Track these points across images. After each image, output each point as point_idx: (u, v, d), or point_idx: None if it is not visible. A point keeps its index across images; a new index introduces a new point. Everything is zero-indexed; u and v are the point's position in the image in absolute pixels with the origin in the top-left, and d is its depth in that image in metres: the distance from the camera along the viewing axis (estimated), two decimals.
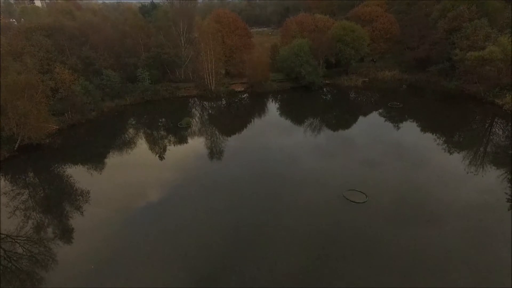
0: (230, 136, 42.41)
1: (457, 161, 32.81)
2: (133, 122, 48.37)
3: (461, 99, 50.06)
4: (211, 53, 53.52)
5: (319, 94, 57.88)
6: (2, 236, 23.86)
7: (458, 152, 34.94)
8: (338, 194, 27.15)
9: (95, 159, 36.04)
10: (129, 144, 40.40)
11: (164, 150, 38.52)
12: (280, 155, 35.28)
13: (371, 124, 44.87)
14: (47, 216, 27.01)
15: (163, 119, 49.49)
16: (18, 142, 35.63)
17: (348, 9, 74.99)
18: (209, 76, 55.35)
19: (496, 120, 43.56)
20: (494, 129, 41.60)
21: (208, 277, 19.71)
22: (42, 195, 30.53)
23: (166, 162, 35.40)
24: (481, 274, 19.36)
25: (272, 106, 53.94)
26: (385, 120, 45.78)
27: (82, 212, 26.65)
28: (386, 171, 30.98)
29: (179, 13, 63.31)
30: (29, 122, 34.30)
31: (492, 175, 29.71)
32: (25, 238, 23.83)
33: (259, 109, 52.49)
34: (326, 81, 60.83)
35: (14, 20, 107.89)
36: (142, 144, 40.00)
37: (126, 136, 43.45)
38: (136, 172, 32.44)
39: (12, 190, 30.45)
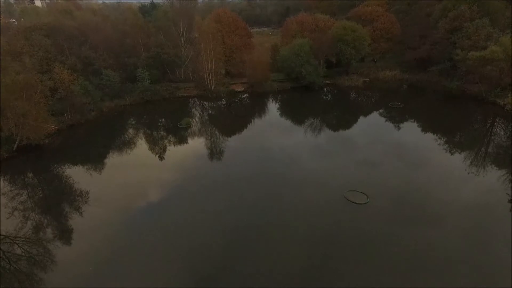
0: (230, 136, 42.28)
1: (458, 161, 32.68)
2: (132, 122, 48.21)
3: (462, 99, 49.87)
4: (211, 53, 53.37)
5: (320, 94, 57.71)
6: (1, 237, 23.69)
7: (459, 153, 34.84)
8: (339, 194, 27.02)
9: (95, 160, 35.90)
10: (128, 144, 40.30)
11: (164, 150, 38.38)
12: (281, 155, 35.17)
13: (372, 124, 44.72)
14: (46, 216, 26.89)
15: (163, 119, 49.34)
16: (17, 142, 35.48)
17: (348, 9, 74.71)
18: (209, 76, 55.18)
19: (497, 120, 43.44)
20: (495, 130, 41.50)
21: (208, 277, 19.67)
22: (41, 195, 30.43)
23: (166, 162, 35.26)
24: (482, 274, 19.27)
25: (273, 106, 53.79)
26: (386, 120, 45.64)
27: (82, 213, 26.53)
28: (387, 172, 30.88)
29: (179, 13, 63.19)
30: (27, 122, 34.17)
31: (493, 176, 29.60)
32: (24, 239, 23.72)
33: (259, 109, 52.35)
34: (327, 81, 60.66)
35: (14, 20, 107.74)
36: (141, 145, 39.86)
37: (126, 136, 43.31)
38: (136, 173, 32.31)
39: (11, 190, 30.32)
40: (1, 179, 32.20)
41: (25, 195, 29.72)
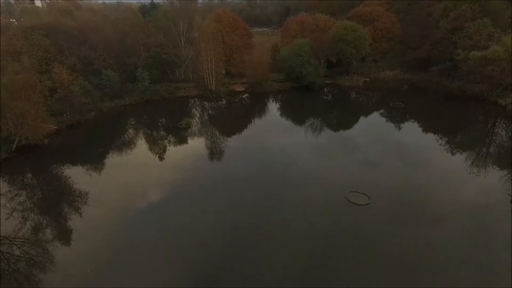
0: (230, 136, 42.15)
1: (459, 161, 32.56)
2: (132, 123, 48.06)
3: (464, 99, 49.69)
4: (211, 53, 53.22)
5: (320, 94, 57.57)
6: (0, 238, 23.53)
7: (461, 153, 34.73)
8: (339, 194, 26.89)
9: (94, 160, 35.75)
10: (128, 144, 40.16)
11: (164, 150, 38.24)
12: (281, 155, 35.06)
13: (372, 124, 44.58)
14: (45, 217, 26.77)
15: (163, 119, 49.19)
16: (15, 142, 35.29)
17: (349, 9, 74.62)
18: (209, 76, 55.03)
19: (498, 120, 43.26)
20: (496, 130, 41.31)
21: (208, 277, 19.62)
22: (40, 196, 30.31)
23: (166, 162, 35.13)
24: (483, 275, 19.19)
25: (273, 106, 53.66)
26: (387, 120, 45.50)
27: (81, 213, 26.39)
28: (388, 172, 30.75)
29: (179, 13, 63.02)
30: (26, 123, 33.96)
31: (495, 176, 29.47)
32: (23, 240, 23.59)
33: (260, 109, 52.21)
34: (327, 81, 60.51)
35: (14, 20, 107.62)
36: (141, 145, 39.72)
37: (126, 136, 43.16)
38: (136, 173, 32.18)
39: (9, 191, 30.15)
40: (0, 180, 32.02)
41: (24, 195, 29.57)
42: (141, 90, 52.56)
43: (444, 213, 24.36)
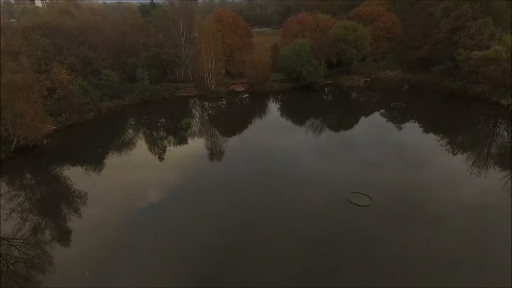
0: (230, 136, 41.98)
1: (460, 162, 32.44)
2: (132, 123, 47.89)
3: (465, 99, 49.48)
4: (211, 52, 53.06)
5: (321, 94, 57.40)
6: None
7: (462, 153, 34.57)
8: (340, 195, 26.77)
9: (94, 160, 35.59)
10: (128, 145, 39.97)
11: (164, 151, 38.07)
12: (281, 155, 34.94)
13: (373, 125, 44.39)
14: (44, 218, 26.59)
15: (163, 120, 49.03)
16: (14, 143, 35.05)
17: (349, 9, 74.44)
18: (209, 76, 54.87)
19: (500, 120, 43.03)
20: (498, 130, 41.09)
21: (208, 277, 19.58)
22: (39, 196, 30.13)
23: (166, 163, 34.97)
24: (485, 275, 19.07)
25: (273, 107, 53.49)
26: (388, 121, 45.31)
27: (80, 214, 26.22)
28: (389, 172, 30.59)
29: (179, 12, 62.87)
30: (25, 123, 33.75)
31: (496, 176, 29.33)
32: (21, 241, 23.43)
33: (260, 109, 52.05)
34: (328, 81, 60.33)
35: (14, 20, 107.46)
36: (141, 145, 39.54)
37: (125, 136, 42.98)
38: (135, 173, 32.02)
39: (8, 192, 29.99)
40: None
41: (23, 196, 29.40)
42: (140, 90, 52.38)
43: (445, 214, 24.23)
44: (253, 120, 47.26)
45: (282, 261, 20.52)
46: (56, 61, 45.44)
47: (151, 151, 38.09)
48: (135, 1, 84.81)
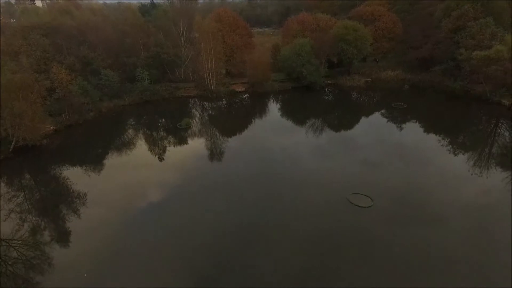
0: (230, 137, 41.82)
1: (461, 162, 32.29)
2: (132, 123, 47.75)
3: (466, 100, 49.34)
4: (212, 52, 52.92)
5: (321, 94, 57.23)
6: None
7: (463, 154, 34.40)
8: (340, 195, 26.63)
9: (93, 161, 35.46)
10: (127, 145, 39.84)
11: (164, 151, 37.93)
12: (281, 155, 34.81)
13: (374, 125, 44.22)
14: (43, 219, 26.47)
15: (163, 120, 48.88)
16: (13, 143, 34.88)
17: (349, 9, 74.27)
18: (209, 76, 54.72)
19: (501, 121, 42.82)
20: (499, 130, 40.91)
21: (208, 277, 19.54)
22: (38, 197, 30.00)
23: (166, 163, 34.83)
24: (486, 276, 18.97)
25: (273, 107, 53.34)
26: (389, 121, 45.14)
27: (79, 215, 26.08)
28: (391, 173, 30.43)
29: (179, 12, 62.73)
30: (24, 123, 33.59)
31: (497, 177, 29.18)
32: (20, 242, 23.29)
33: (260, 109, 51.90)
34: (328, 81, 60.12)
35: (14, 20, 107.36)
36: (141, 145, 39.39)
37: (125, 137, 42.84)
38: (135, 174, 31.86)
39: (7, 192, 29.84)
40: None
41: (22, 197, 29.28)
42: (140, 90, 52.23)
43: (446, 214, 24.09)
44: (253, 120, 47.11)
45: (282, 261, 20.46)
46: (56, 61, 45.29)
47: (151, 151, 37.94)
48: (135, 1, 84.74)
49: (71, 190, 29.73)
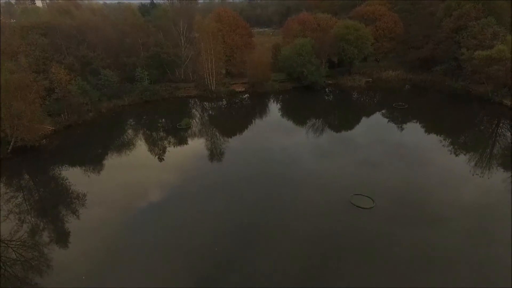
0: (230, 137, 41.63)
1: (463, 163, 32.13)
2: (131, 123, 47.55)
3: (468, 100, 49.21)
4: (212, 52, 52.75)
5: (322, 94, 57.04)
6: None
7: (464, 154, 34.24)
8: (341, 195, 26.52)
9: (92, 161, 35.30)
10: (127, 145, 39.62)
11: (164, 151, 37.73)
12: (281, 156, 34.64)
13: (376, 125, 44.05)
14: (42, 219, 26.28)
15: (162, 120, 48.68)
16: (11, 144, 34.67)
17: (350, 9, 74.03)
18: (209, 76, 54.55)
19: (503, 121, 42.62)
20: (501, 131, 40.68)
21: (208, 277, 19.51)
22: (37, 198, 29.76)
23: (166, 163, 34.65)
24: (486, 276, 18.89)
25: (274, 107, 53.13)
26: (390, 121, 44.97)
27: (79, 216, 25.91)
28: (392, 173, 30.25)
29: (179, 12, 62.55)
30: (22, 123, 33.35)
31: (499, 178, 29.05)
32: (19, 243, 23.11)
33: (260, 109, 51.70)
34: (329, 81, 59.91)
35: (14, 20, 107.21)
36: (140, 146, 39.19)
37: (124, 137, 42.63)
38: (135, 174, 31.67)
39: (6, 193, 29.60)
40: None
41: (20, 197, 29.07)
42: (140, 90, 52.01)
43: (447, 215, 23.99)
44: (253, 121, 46.91)
45: (282, 261, 20.45)
46: (55, 61, 45.08)
47: (150, 151, 37.77)
48: (135, 1, 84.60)
49: (70, 191, 29.58)
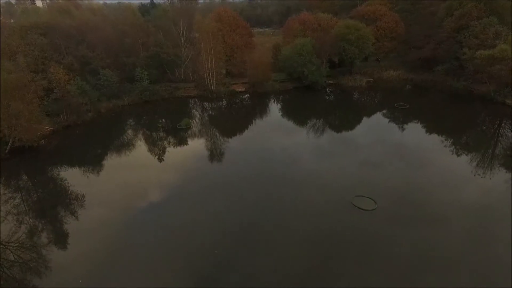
0: (230, 137, 41.41)
1: (465, 163, 31.96)
2: (131, 123, 47.32)
3: (470, 100, 48.98)
4: (212, 52, 52.53)
5: (322, 94, 56.80)
6: None
7: (466, 154, 34.04)
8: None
9: (92, 162, 35.10)
10: (127, 146, 39.42)
11: (164, 152, 37.54)
12: (282, 156, 34.47)
13: (377, 125, 43.79)
14: (40, 220, 26.12)
15: (162, 120, 48.46)
16: (9, 144, 34.43)
17: (350, 9, 73.82)
18: (209, 76, 54.33)
19: (505, 121, 42.32)
20: (503, 131, 40.37)
21: (208, 277, 19.50)
22: (35, 199, 29.54)
23: (166, 164, 34.47)
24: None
25: (274, 107, 52.90)
26: (391, 121, 44.72)
27: (77, 217, 25.76)
28: (394, 174, 30.05)
29: (179, 12, 62.35)
30: (20, 123, 33.13)
31: (501, 178, 28.90)
32: (17, 244, 22.98)
33: (261, 109, 51.48)
34: (330, 81, 59.65)
35: (13, 21, 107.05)
36: (140, 146, 38.99)
37: (124, 137, 42.42)
38: (135, 174, 31.48)
39: (4, 194, 29.41)
40: None
41: (18, 198, 28.90)
42: (140, 90, 51.77)
43: (449, 215, 23.90)
44: (253, 121, 46.69)
45: (282, 261, 20.41)
46: (54, 61, 44.86)
47: (150, 152, 37.57)
48: (135, 1, 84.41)
49: (69, 192, 29.43)
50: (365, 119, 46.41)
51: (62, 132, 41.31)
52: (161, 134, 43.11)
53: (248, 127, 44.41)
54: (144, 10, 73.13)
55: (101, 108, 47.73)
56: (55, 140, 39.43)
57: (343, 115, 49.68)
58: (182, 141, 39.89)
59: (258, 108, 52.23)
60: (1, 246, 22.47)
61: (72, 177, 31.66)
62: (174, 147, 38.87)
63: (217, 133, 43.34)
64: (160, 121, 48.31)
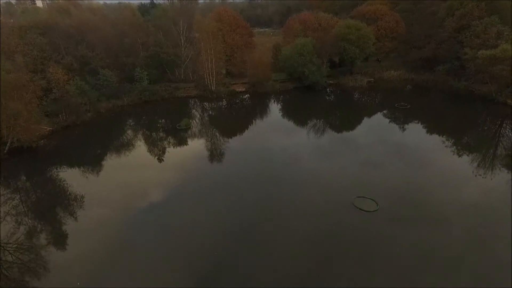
0: (231, 137, 41.26)
1: (466, 163, 31.84)
2: (130, 124, 47.16)
3: (471, 100, 48.82)
4: (212, 52, 52.39)
5: (323, 94, 56.64)
6: None
7: (467, 155, 33.91)
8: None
9: (91, 162, 34.95)
10: (126, 146, 39.27)
11: (163, 152, 37.38)
12: (282, 156, 34.37)
13: (377, 126, 43.62)
14: (39, 221, 26.00)
15: (162, 120, 48.29)
16: (8, 144, 34.27)
17: (350, 9, 73.73)
18: (209, 76, 54.18)
19: (507, 121, 42.16)
20: (504, 131, 40.20)
21: (208, 277, 19.54)
22: (34, 199, 29.39)
23: (165, 164, 34.33)
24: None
25: (274, 107, 52.74)
26: (392, 122, 44.54)
27: (76, 217, 25.63)
28: (395, 174, 29.92)
29: (179, 12, 62.20)
30: (18, 124, 32.96)
31: (502, 178, 28.77)
32: (16, 245, 22.84)
33: (261, 110, 51.32)
34: (330, 81, 59.50)
35: (12, 21, 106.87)
36: (140, 146, 38.85)
37: (123, 138, 42.27)
38: (134, 175, 31.34)
39: (2, 194, 29.25)
40: None
41: (17, 199, 28.73)
42: (139, 90, 51.62)
43: (449, 216, 23.81)
44: (254, 121, 46.53)
45: (282, 261, 20.39)
46: (53, 61, 44.71)
47: (150, 152, 37.41)
48: (135, 1, 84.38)
49: (68, 192, 29.27)
50: (365, 119, 46.25)
51: (61, 132, 41.15)
52: (161, 134, 42.94)
53: (248, 127, 44.26)
54: (143, 10, 73.09)
55: (101, 108, 47.56)
56: (54, 141, 39.24)
57: (344, 115, 49.52)
58: (182, 141, 39.73)
59: (258, 108, 52.08)
60: (0, 247, 22.29)
61: (71, 177, 31.52)
62: (174, 147, 38.72)
63: (217, 133, 43.20)
64: (159, 121, 48.14)
